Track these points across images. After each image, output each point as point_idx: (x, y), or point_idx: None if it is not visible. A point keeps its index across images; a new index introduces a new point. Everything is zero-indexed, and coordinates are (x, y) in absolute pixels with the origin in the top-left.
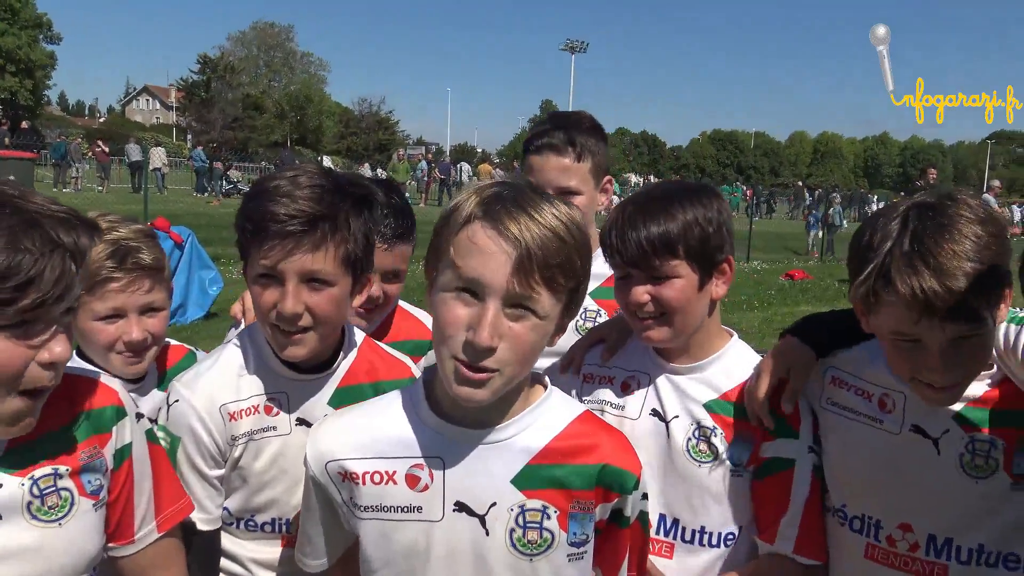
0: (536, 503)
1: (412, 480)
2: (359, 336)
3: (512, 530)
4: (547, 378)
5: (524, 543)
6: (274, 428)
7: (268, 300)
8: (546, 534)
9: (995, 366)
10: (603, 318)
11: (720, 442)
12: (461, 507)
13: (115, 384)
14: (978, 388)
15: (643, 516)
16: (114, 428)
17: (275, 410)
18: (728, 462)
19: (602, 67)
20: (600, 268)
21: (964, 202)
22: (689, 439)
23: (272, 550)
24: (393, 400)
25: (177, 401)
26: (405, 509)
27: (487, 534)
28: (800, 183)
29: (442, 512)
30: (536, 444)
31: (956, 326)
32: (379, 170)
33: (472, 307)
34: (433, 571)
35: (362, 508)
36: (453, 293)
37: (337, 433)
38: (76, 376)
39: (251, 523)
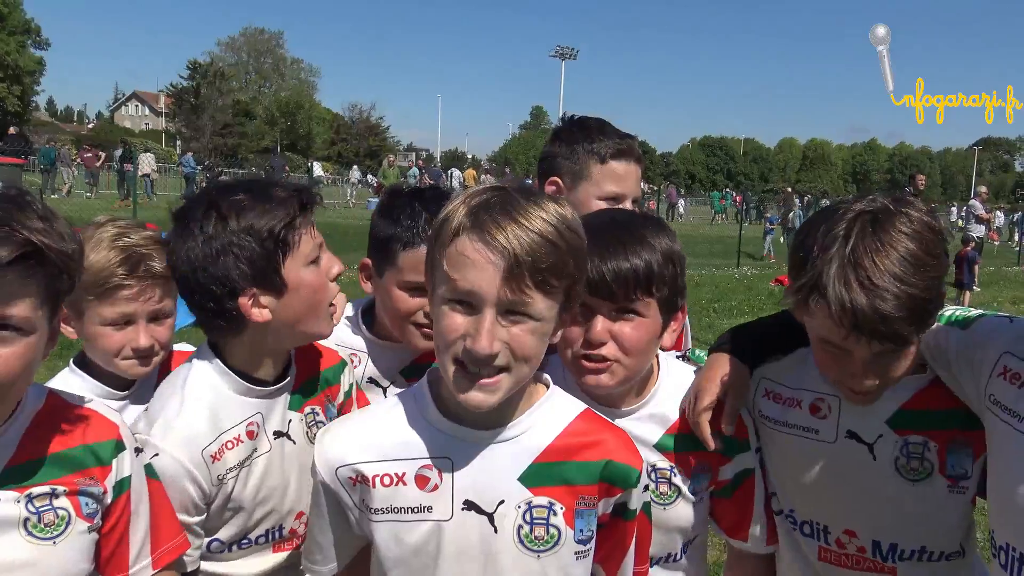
0: (543, 500)
1: (422, 481)
2: None
3: (520, 527)
4: (547, 376)
5: (532, 539)
6: (256, 450)
7: (324, 276)
8: (552, 530)
9: (927, 368)
10: None
11: (681, 480)
12: (470, 505)
13: (116, 418)
14: (909, 391)
15: (647, 507)
16: (114, 461)
17: (255, 432)
18: (690, 496)
19: (592, 74)
20: None
21: (907, 215)
22: (647, 485)
23: (263, 560)
24: (399, 403)
25: (157, 455)
26: (415, 510)
27: (496, 531)
28: (789, 189)
29: (451, 511)
30: (541, 442)
31: (882, 345)
32: (369, 175)
33: (469, 316)
34: (444, 570)
35: (374, 511)
36: (450, 304)
37: (345, 438)
38: (78, 406)
39: (244, 541)
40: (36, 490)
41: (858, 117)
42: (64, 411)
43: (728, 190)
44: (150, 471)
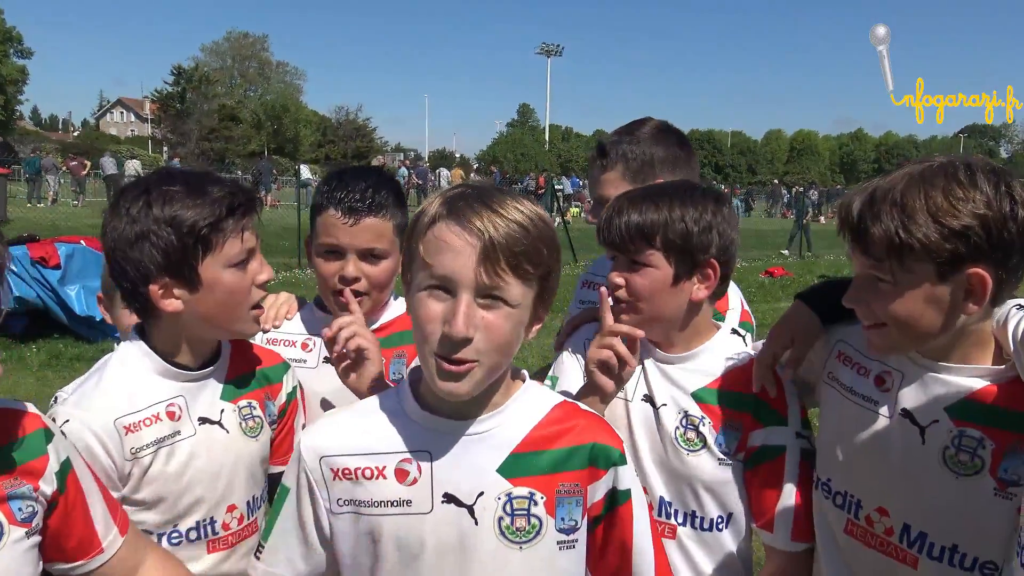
0: (523, 490)
1: (401, 474)
2: None
3: (500, 518)
4: (525, 371)
5: (512, 531)
6: (179, 432)
7: (249, 281)
8: (534, 520)
9: (1004, 362)
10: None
11: (708, 431)
12: (449, 498)
13: (33, 408)
14: (978, 382)
15: (639, 498)
16: (48, 448)
17: (177, 414)
18: (716, 450)
19: (578, 70)
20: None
21: (953, 165)
22: (677, 427)
23: (198, 563)
24: (381, 399)
25: (68, 421)
26: (395, 503)
27: (476, 523)
28: (776, 181)
29: (431, 504)
30: (519, 433)
31: (864, 256)
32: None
33: (446, 302)
34: (424, 564)
35: (356, 504)
36: (427, 291)
37: (329, 432)
38: (6, 408)
39: (175, 534)
40: None
41: (844, 108)
42: None
43: (716, 183)
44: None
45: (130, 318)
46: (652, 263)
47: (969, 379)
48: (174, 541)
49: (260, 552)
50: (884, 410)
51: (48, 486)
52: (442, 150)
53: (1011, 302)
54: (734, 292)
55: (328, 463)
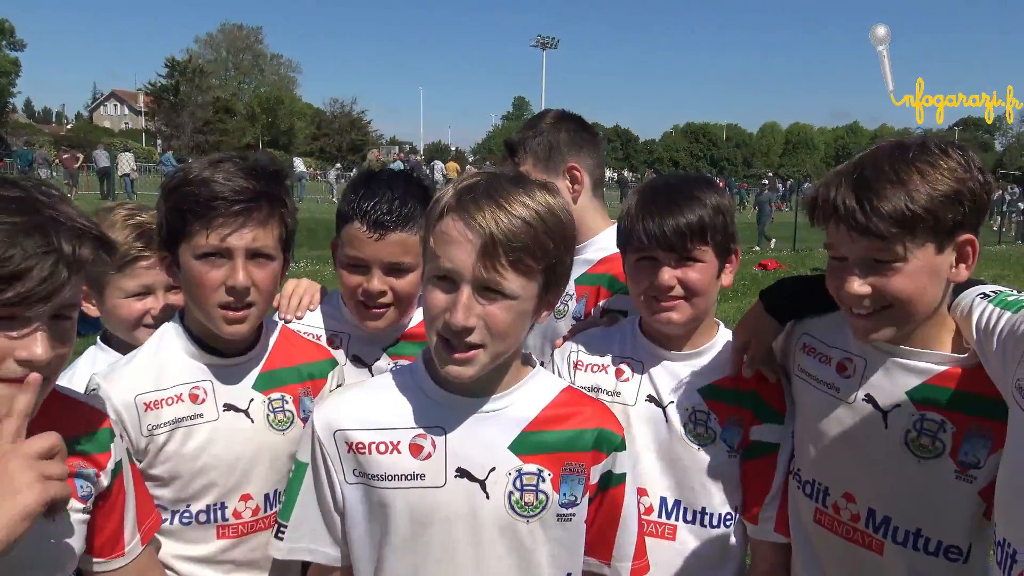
0: (532, 467)
1: (416, 449)
2: (277, 324)
3: (511, 493)
4: (536, 359)
5: (522, 505)
6: (201, 415)
7: (216, 278)
8: (541, 496)
9: (967, 349)
10: (572, 301)
11: (715, 426)
12: (462, 473)
13: (104, 407)
14: (939, 366)
15: (629, 485)
16: (112, 446)
17: (200, 397)
18: (724, 444)
19: (573, 63)
20: (591, 254)
21: (925, 145)
22: (686, 423)
23: (205, 546)
24: (395, 376)
25: (95, 389)
26: (409, 477)
27: (487, 497)
28: (772, 174)
29: (444, 478)
30: (529, 413)
31: (864, 238)
32: (354, 171)
33: (450, 293)
34: (434, 534)
35: (371, 476)
36: (434, 281)
37: (343, 406)
38: (72, 398)
39: (186, 514)
40: None
41: (840, 101)
42: (60, 403)
43: (712, 176)
44: (129, 454)
45: (128, 308)
46: (704, 258)
47: (930, 364)
48: (184, 520)
49: (281, 532)
50: (848, 396)
51: (105, 479)
52: (437, 143)
53: (973, 290)
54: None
55: (343, 436)
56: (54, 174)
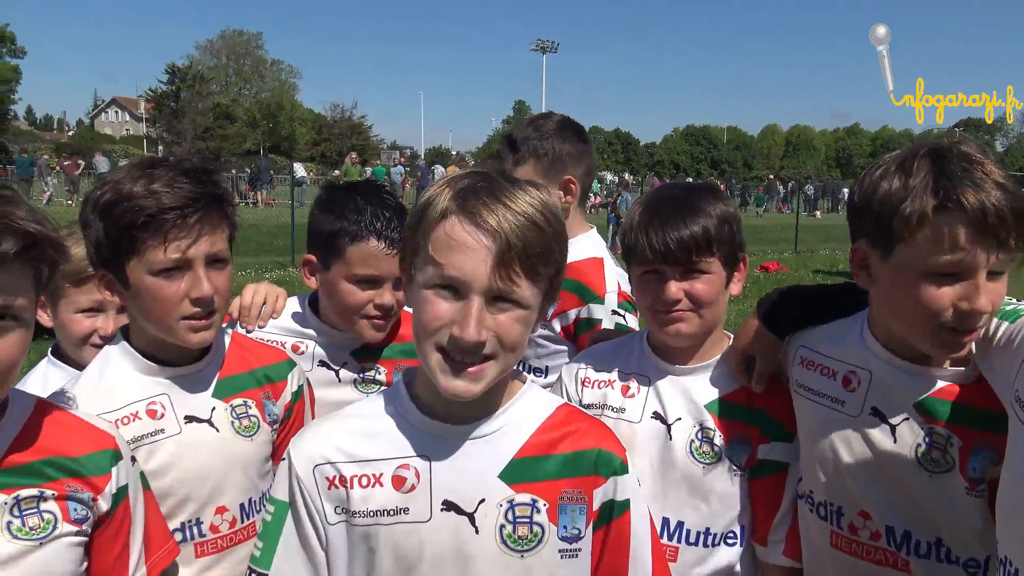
0: (525, 497)
1: (398, 481)
2: (227, 330)
3: (502, 526)
4: (525, 373)
5: (515, 539)
6: (163, 431)
7: (178, 291)
8: (536, 528)
9: (970, 362)
10: None
11: (721, 444)
12: (449, 506)
13: (109, 428)
14: (944, 380)
15: (641, 506)
16: (113, 469)
17: (159, 412)
18: (729, 462)
19: (573, 66)
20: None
21: (966, 145)
22: (692, 440)
23: (187, 569)
24: (375, 402)
25: None
26: (392, 512)
27: (476, 532)
28: (771, 176)
29: (430, 512)
30: (521, 437)
31: (1001, 250)
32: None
33: (455, 303)
34: (423, 574)
35: (352, 513)
36: (434, 290)
37: (320, 439)
38: (71, 415)
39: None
40: (24, 493)
41: (840, 103)
42: (56, 418)
43: (712, 178)
44: (144, 480)
45: (78, 324)
46: (710, 269)
47: (935, 377)
48: None
49: None
50: (853, 409)
51: (104, 503)
52: (438, 147)
53: None
54: (611, 274)
55: (321, 472)
56: (55, 181)
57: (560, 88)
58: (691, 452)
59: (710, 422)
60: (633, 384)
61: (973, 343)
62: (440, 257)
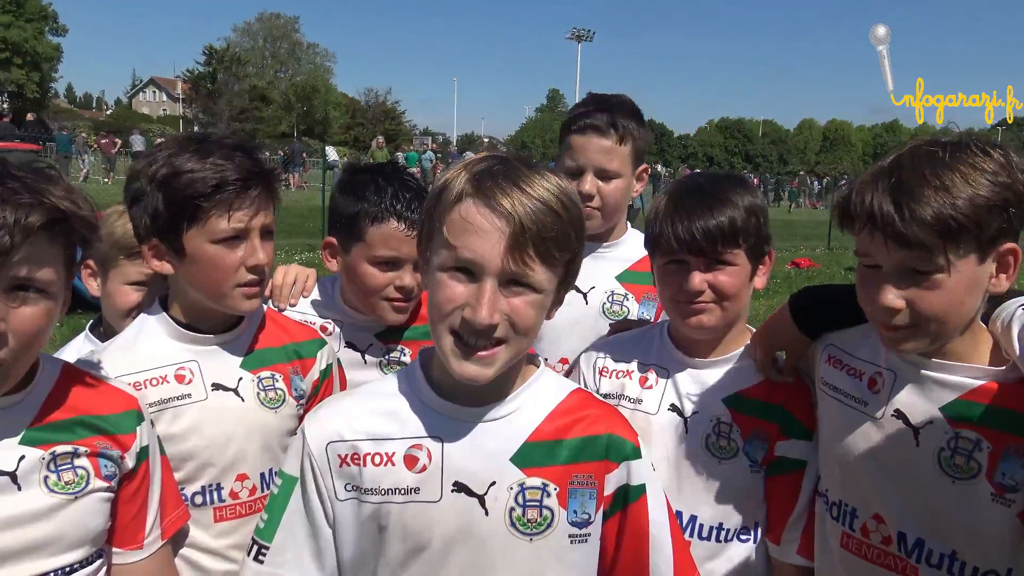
0: (536, 481)
1: (411, 461)
2: (263, 306)
3: (512, 509)
4: (539, 357)
5: (524, 522)
6: (189, 395)
7: (236, 259)
8: (546, 512)
9: (1005, 361)
10: (630, 302)
11: (738, 439)
12: (460, 487)
13: (131, 391)
14: (975, 380)
15: (659, 492)
16: (137, 429)
17: (188, 378)
18: (746, 458)
19: (608, 56)
20: (627, 252)
21: (966, 145)
22: (709, 435)
23: (206, 530)
24: (390, 382)
25: None
26: (403, 491)
27: (486, 514)
28: (803, 172)
29: (440, 493)
30: (533, 421)
31: (900, 249)
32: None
33: (469, 285)
34: (431, 554)
35: (364, 491)
36: (449, 272)
37: (335, 417)
38: (96, 378)
39: (181, 496)
40: (59, 449)
41: (880, 97)
42: (84, 381)
43: (746, 172)
44: (160, 445)
45: (125, 296)
46: (735, 261)
47: (965, 378)
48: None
49: (262, 555)
50: (877, 411)
51: (131, 460)
52: (470, 134)
53: (1014, 302)
54: (598, 270)
55: (334, 449)
56: (91, 159)
57: (595, 77)
58: (707, 446)
59: (727, 416)
60: (652, 375)
61: (1016, 344)
62: (455, 240)
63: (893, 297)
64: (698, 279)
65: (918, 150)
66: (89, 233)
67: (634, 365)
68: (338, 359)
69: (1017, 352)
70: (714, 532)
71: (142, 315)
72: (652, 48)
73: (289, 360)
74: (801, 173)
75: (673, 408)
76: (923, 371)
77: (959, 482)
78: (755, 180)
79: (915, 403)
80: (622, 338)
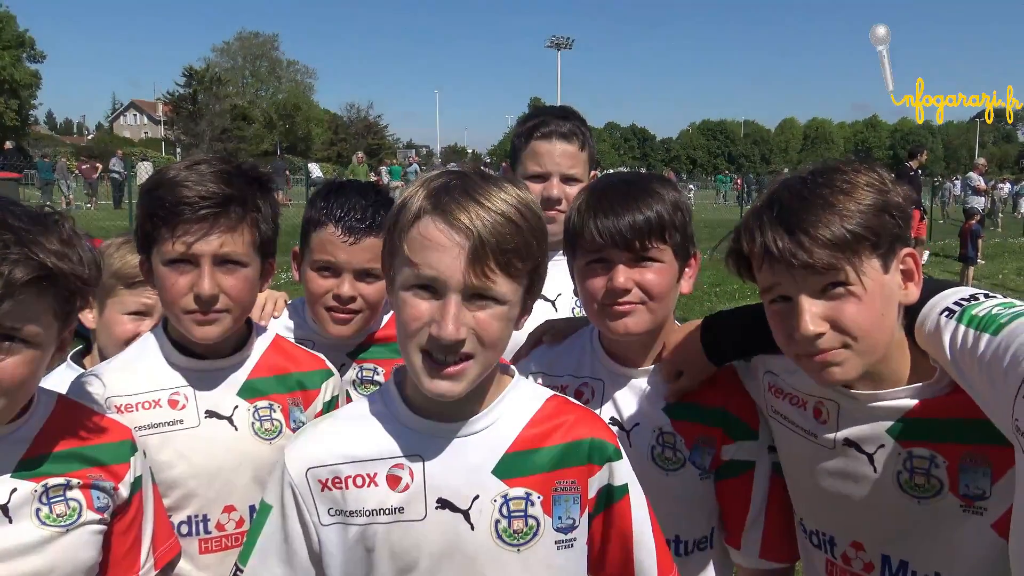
0: (519, 491)
1: (393, 481)
2: (269, 332)
3: (497, 521)
4: (513, 367)
5: (510, 533)
6: (180, 421)
7: (183, 284)
8: (531, 521)
9: (935, 374)
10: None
11: (683, 448)
12: (444, 504)
13: (125, 422)
14: (912, 399)
15: (637, 491)
16: (132, 459)
17: (181, 403)
18: (693, 467)
19: (588, 63)
20: None
21: (831, 168)
22: (654, 447)
23: (190, 563)
24: (367, 404)
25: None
26: (388, 511)
27: (472, 528)
28: (786, 171)
29: (425, 511)
30: (512, 432)
31: (815, 278)
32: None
33: (433, 302)
34: (421, 573)
35: (347, 514)
36: (412, 291)
37: (313, 441)
38: (91, 411)
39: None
40: (52, 481)
41: (859, 94)
42: (78, 414)
43: (729, 173)
44: (151, 475)
45: (122, 326)
46: (662, 258)
47: (905, 398)
48: None
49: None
50: (827, 442)
51: (124, 490)
52: (453, 145)
53: (932, 309)
54: (565, 276)
55: (315, 474)
56: (73, 185)
57: (575, 84)
58: (653, 458)
59: (669, 427)
60: (586, 390)
61: (947, 355)
62: (415, 257)
63: (812, 320)
64: (623, 276)
65: (789, 182)
66: (81, 287)
67: (567, 379)
68: (345, 391)
69: (951, 363)
70: (671, 546)
71: (145, 334)
72: (632, 53)
73: (289, 391)
74: (784, 172)
75: (614, 421)
76: (859, 398)
77: (924, 501)
78: (738, 180)
79: (862, 430)
80: (553, 351)
